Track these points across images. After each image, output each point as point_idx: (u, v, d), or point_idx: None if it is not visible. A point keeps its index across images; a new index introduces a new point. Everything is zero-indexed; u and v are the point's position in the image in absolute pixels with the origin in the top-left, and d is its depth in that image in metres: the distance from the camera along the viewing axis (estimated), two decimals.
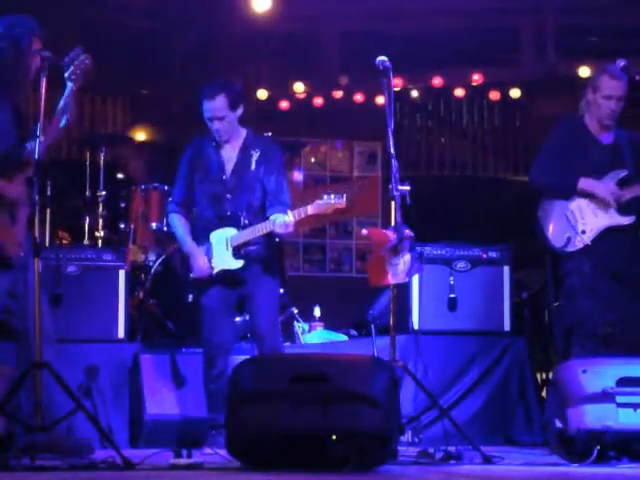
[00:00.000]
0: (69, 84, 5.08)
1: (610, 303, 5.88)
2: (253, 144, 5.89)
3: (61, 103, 5.08)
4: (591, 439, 4.81)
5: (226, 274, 5.77)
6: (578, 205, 5.98)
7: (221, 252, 5.77)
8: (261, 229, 5.76)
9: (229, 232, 5.79)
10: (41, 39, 5.13)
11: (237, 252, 5.77)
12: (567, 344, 5.98)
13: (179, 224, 5.91)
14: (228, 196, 5.82)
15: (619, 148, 6.04)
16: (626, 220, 5.94)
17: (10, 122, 5.09)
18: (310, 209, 5.74)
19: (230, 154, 5.89)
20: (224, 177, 5.85)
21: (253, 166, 5.85)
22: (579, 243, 5.93)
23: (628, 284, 5.96)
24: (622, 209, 5.93)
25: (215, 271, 5.78)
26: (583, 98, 6.09)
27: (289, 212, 5.73)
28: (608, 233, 5.93)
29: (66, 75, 5.06)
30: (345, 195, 5.77)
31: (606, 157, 6.03)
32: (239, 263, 5.77)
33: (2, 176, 4.96)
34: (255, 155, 5.87)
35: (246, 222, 5.77)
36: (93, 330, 6.34)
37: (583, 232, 5.93)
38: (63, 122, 5.09)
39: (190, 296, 5.85)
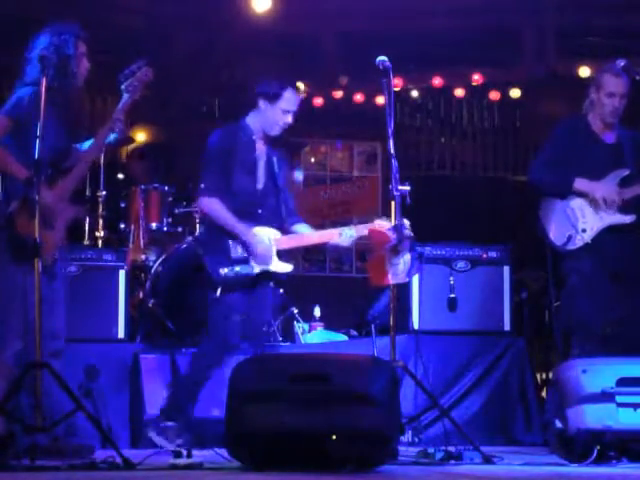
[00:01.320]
0: (125, 95, 5.13)
1: (610, 302, 5.88)
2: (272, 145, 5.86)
3: (115, 112, 5.15)
4: (591, 439, 4.81)
5: (268, 275, 5.68)
6: (579, 204, 5.99)
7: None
8: (316, 239, 5.73)
9: (271, 232, 5.70)
10: (87, 43, 5.21)
11: (279, 255, 5.68)
12: (567, 344, 5.99)
13: (224, 207, 5.63)
14: (260, 194, 5.75)
15: (622, 147, 6.06)
16: (627, 219, 5.95)
17: (57, 127, 5.14)
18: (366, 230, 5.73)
19: (261, 148, 5.82)
20: (257, 173, 5.77)
21: (276, 168, 5.84)
22: (579, 242, 5.94)
23: (628, 283, 5.96)
24: (623, 208, 5.94)
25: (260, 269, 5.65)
26: (587, 98, 6.12)
27: (353, 227, 5.76)
28: (609, 232, 5.94)
29: (123, 86, 5.12)
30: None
31: (608, 156, 6.05)
32: (289, 267, 5.70)
33: (47, 182, 5.01)
34: (274, 158, 5.86)
35: (283, 224, 5.74)
36: (93, 330, 6.34)
37: (584, 230, 5.94)
38: (114, 135, 5.20)
39: (219, 290, 5.57)
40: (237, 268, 5.59)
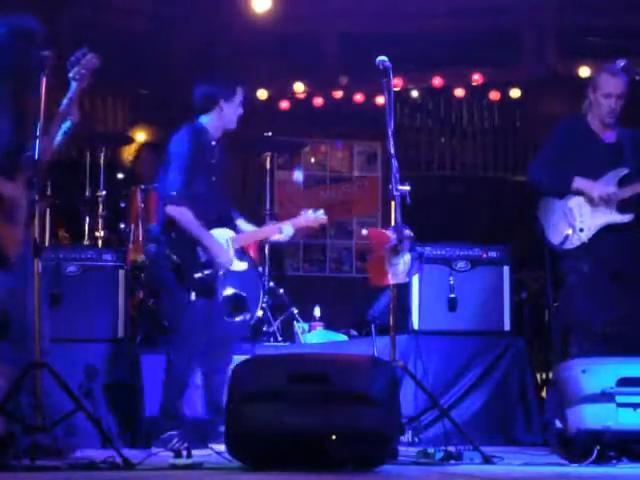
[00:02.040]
0: (73, 83, 5.01)
1: (609, 302, 5.89)
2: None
3: (64, 102, 5.03)
4: (591, 439, 4.81)
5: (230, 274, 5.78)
6: (577, 203, 6.00)
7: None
8: (263, 234, 5.80)
9: (227, 233, 5.80)
10: (45, 37, 5.07)
11: (237, 254, 5.78)
12: (565, 343, 5.99)
13: (192, 216, 5.70)
14: (217, 195, 5.84)
15: (621, 146, 6.06)
16: (625, 218, 5.95)
17: (11, 121, 5.08)
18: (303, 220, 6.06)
19: (216, 149, 5.90)
20: (213, 177, 5.84)
21: (220, 164, 5.91)
22: (577, 241, 5.95)
23: (627, 283, 5.96)
24: (622, 207, 5.95)
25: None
26: (586, 99, 6.12)
27: (288, 222, 5.99)
28: (607, 231, 5.95)
29: (70, 75, 5.00)
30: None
31: (608, 155, 6.05)
32: (245, 265, 5.80)
33: (2, 175, 4.95)
34: (222, 153, 5.95)
35: (233, 225, 5.83)
36: (93, 330, 6.34)
37: (581, 230, 5.95)
38: (68, 123, 5.06)
39: (193, 294, 5.68)
40: (207, 271, 5.69)
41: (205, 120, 5.89)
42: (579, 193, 5.98)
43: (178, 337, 5.76)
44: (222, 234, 5.80)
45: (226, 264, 5.73)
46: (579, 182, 5.97)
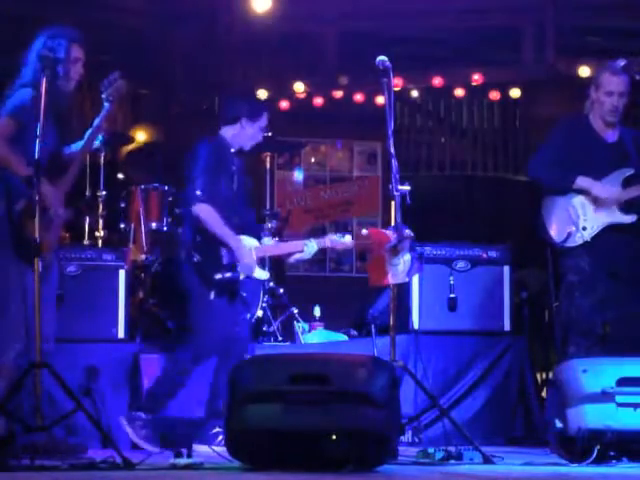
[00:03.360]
0: (106, 105, 5.30)
1: (608, 302, 5.89)
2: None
3: (97, 121, 5.31)
4: (591, 439, 4.81)
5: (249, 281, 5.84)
6: (581, 201, 5.99)
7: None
8: (286, 248, 5.89)
9: (251, 241, 5.83)
10: (82, 47, 5.32)
11: (260, 263, 5.86)
12: (565, 342, 5.99)
13: (217, 216, 5.74)
14: (237, 204, 5.88)
15: (624, 146, 6.05)
16: (628, 219, 5.95)
17: (52, 128, 5.18)
18: (328, 242, 6.06)
19: (236, 164, 5.95)
20: (233, 185, 5.88)
21: (243, 180, 5.95)
22: (579, 239, 5.94)
23: (627, 283, 5.96)
24: (625, 207, 5.94)
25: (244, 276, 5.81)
26: (588, 98, 6.11)
27: (313, 240, 5.99)
28: (609, 231, 5.95)
29: (104, 96, 5.29)
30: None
31: (610, 156, 6.05)
32: (267, 275, 5.94)
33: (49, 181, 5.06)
34: (241, 170, 5.98)
35: (257, 235, 5.88)
36: (93, 330, 6.34)
37: (584, 228, 5.95)
38: (98, 140, 5.46)
39: (212, 293, 5.70)
40: (228, 274, 5.72)
41: (226, 132, 5.95)
42: (582, 192, 5.97)
43: (192, 335, 5.81)
44: (248, 241, 5.83)
45: (248, 269, 5.76)
46: (582, 181, 5.96)
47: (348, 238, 6.10)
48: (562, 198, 6.03)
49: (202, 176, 5.77)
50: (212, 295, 5.68)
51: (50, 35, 5.26)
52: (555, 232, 6.01)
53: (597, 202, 5.95)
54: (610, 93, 5.98)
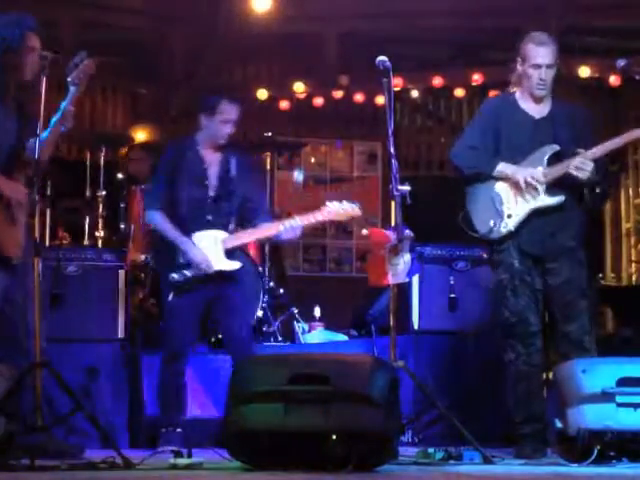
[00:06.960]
0: (72, 88, 5.04)
1: (540, 301, 5.55)
2: (229, 150, 5.92)
3: (63, 106, 5.05)
4: (591, 439, 4.81)
5: (219, 274, 5.72)
6: (503, 188, 5.54)
7: (212, 253, 5.71)
8: (263, 232, 5.77)
9: (217, 234, 5.76)
10: (40, 36, 5.07)
11: (230, 254, 5.76)
12: (501, 347, 5.59)
13: (165, 220, 5.76)
14: (210, 201, 5.80)
15: (553, 122, 5.57)
16: (555, 200, 5.46)
17: (9, 120, 5.07)
18: (321, 216, 5.84)
19: (211, 158, 5.88)
20: (206, 182, 5.82)
21: (233, 173, 5.86)
22: (504, 229, 5.49)
23: (554, 259, 5.47)
24: (550, 189, 5.46)
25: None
26: (512, 72, 5.73)
27: (296, 217, 5.78)
28: (534, 215, 5.48)
29: (69, 79, 5.03)
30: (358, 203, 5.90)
31: (537, 132, 5.56)
32: (236, 264, 5.76)
33: (4, 175, 4.93)
34: (233, 161, 5.89)
35: (232, 227, 5.81)
36: (93, 330, 6.33)
37: (509, 216, 5.49)
38: (63, 127, 5.08)
39: (171, 294, 5.69)
40: (186, 272, 5.68)
41: (198, 132, 5.91)
42: (503, 179, 5.53)
43: (161, 337, 5.86)
44: (211, 235, 5.75)
45: (204, 265, 5.67)
46: (502, 167, 5.50)
47: (352, 206, 5.88)
48: (485, 186, 5.57)
49: (152, 183, 5.97)
50: (170, 296, 5.68)
51: (3, 24, 5.02)
52: (479, 223, 5.55)
53: (518, 187, 5.48)
54: (537, 66, 5.54)
